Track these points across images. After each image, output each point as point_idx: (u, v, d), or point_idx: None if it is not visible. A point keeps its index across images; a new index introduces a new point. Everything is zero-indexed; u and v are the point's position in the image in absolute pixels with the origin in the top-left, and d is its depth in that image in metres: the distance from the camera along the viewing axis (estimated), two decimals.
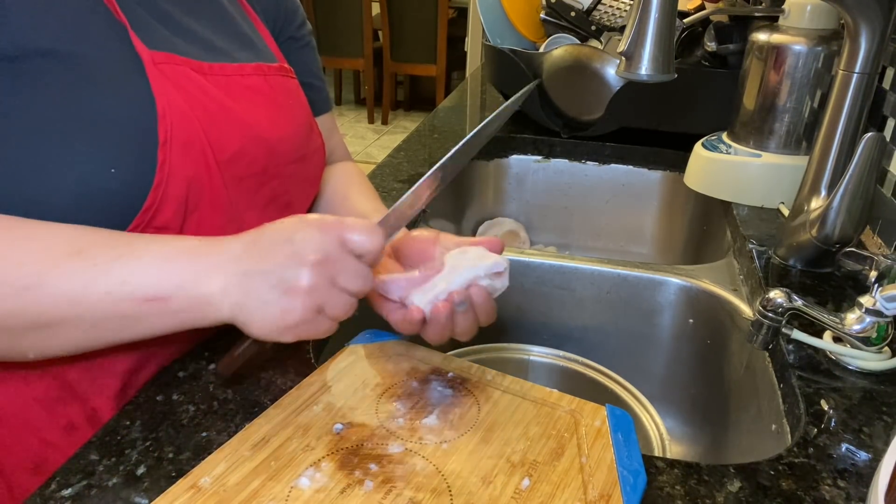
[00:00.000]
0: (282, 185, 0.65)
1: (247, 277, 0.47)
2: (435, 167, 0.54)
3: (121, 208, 0.52)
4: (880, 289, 0.59)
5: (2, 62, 0.48)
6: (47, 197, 0.49)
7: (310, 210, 0.73)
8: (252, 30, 0.68)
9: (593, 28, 1.34)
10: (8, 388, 0.56)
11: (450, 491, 0.46)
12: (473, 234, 1.28)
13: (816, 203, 0.76)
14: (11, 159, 0.49)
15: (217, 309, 0.48)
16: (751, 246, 0.84)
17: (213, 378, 0.58)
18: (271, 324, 0.47)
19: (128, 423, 0.52)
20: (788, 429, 0.59)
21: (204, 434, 0.51)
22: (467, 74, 3.46)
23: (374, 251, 0.49)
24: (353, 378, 0.57)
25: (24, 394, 0.56)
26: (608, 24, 1.33)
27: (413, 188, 0.54)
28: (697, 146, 1.02)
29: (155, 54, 0.55)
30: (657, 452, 0.69)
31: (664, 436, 0.70)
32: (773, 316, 0.62)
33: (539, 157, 1.28)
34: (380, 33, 4.51)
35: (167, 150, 0.53)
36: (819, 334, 0.64)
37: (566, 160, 1.26)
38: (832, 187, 0.74)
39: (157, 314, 0.48)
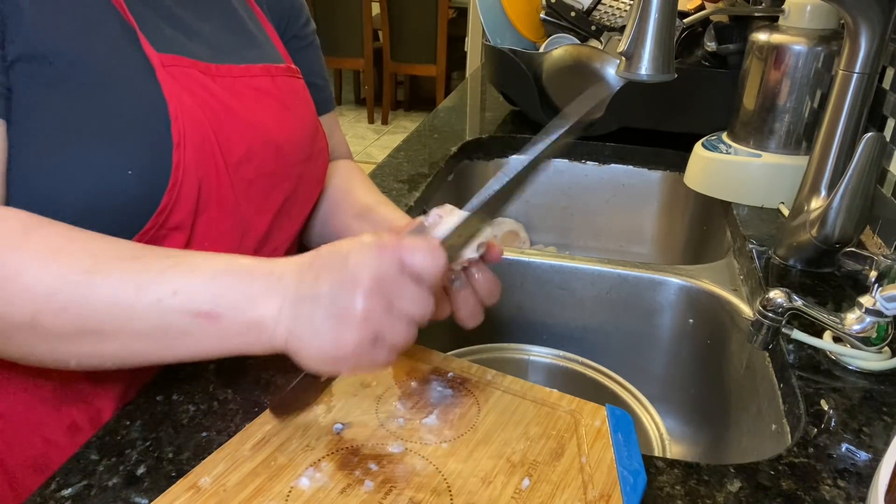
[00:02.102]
0: (290, 186, 0.65)
1: (298, 303, 0.45)
2: (504, 177, 0.49)
3: (137, 209, 0.52)
4: (880, 289, 0.59)
5: (18, 63, 0.48)
6: (65, 198, 0.50)
7: (314, 209, 0.73)
8: (259, 29, 0.68)
9: (593, 28, 1.34)
10: (13, 387, 0.56)
11: (450, 491, 0.46)
12: None
13: (816, 203, 0.76)
14: (29, 161, 0.49)
15: (270, 335, 0.45)
16: (751, 246, 0.84)
17: (213, 378, 0.58)
18: (324, 354, 0.44)
19: (128, 423, 0.52)
20: (788, 429, 0.59)
21: (204, 434, 0.51)
22: (467, 74, 3.46)
23: (435, 274, 0.45)
24: (352, 378, 0.57)
25: (29, 393, 0.56)
26: (608, 24, 1.33)
27: (479, 198, 0.49)
28: (697, 146, 1.02)
29: (164, 57, 0.55)
30: (657, 452, 0.69)
31: (664, 436, 0.70)
32: (773, 316, 0.62)
33: None
34: (380, 33, 4.51)
35: (181, 152, 0.53)
36: (819, 334, 0.64)
37: (566, 160, 1.26)
38: (832, 187, 0.74)
39: (204, 333, 0.46)
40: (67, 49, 0.50)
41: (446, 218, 0.50)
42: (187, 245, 0.57)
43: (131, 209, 0.52)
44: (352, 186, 0.76)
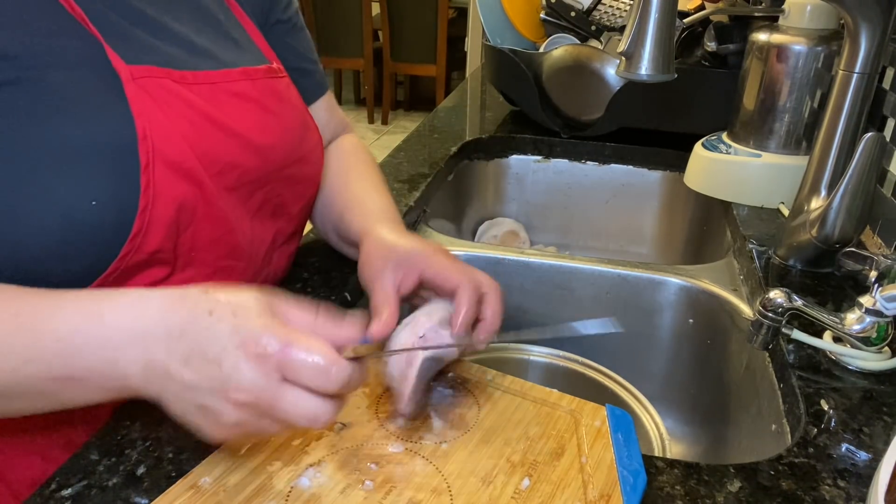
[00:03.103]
0: (278, 190, 0.64)
1: (168, 380, 0.42)
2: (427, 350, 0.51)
3: (107, 239, 0.50)
4: (880, 289, 0.59)
5: None
6: (30, 236, 0.48)
7: (305, 205, 0.71)
8: (237, 28, 0.66)
9: (593, 28, 1.34)
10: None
11: (450, 491, 0.46)
12: (473, 234, 1.28)
13: (816, 203, 0.76)
14: None
15: (140, 393, 0.44)
16: (751, 246, 0.84)
17: None
18: (193, 429, 0.43)
19: (128, 423, 0.52)
20: (788, 429, 0.59)
21: None
22: (467, 74, 3.46)
23: (332, 389, 0.40)
24: None
25: (28, 417, 0.56)
26: (608, 24, 1.33)
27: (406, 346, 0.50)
28: (697, 146, 1.02)
29: (133, 69, 0.52)
30: (657, 452, 0.69)
31: (664, 436, 0.70)
32: (773, 316, 0.62)
33: (539, 157, 1.28)
34: (380, 33, 4.51)
35: (150, 173, 0.51)
36: (819, 334, 0.64)
37: (566, 160, 1.26)
38: (832, 187, 0.74)
39: (74, 390, 0.44)
40: (19, 75, 0.47)
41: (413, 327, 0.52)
42: (174, 263, 0.55)
43: (102, 240, 0.50)
44: (350, 178, 0.73)
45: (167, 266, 0.55)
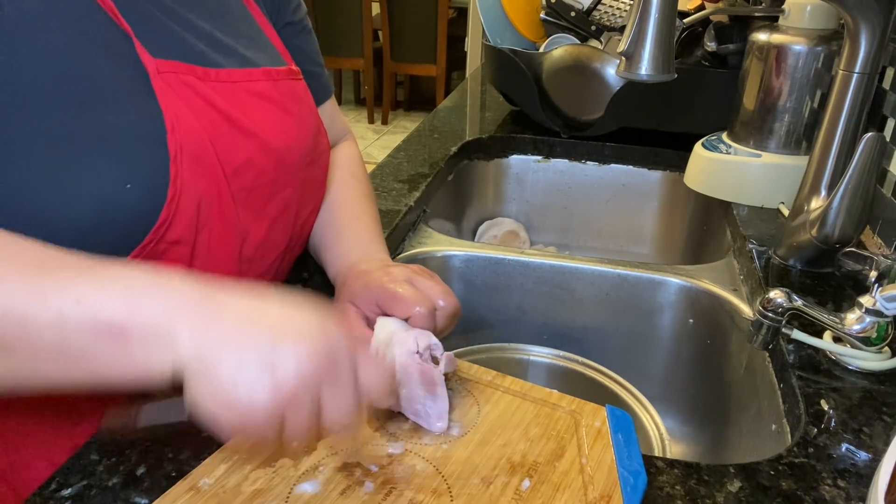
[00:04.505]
0: (292, 192, 0.64)
1: (239, 334, 0.40)
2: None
3: (135, 224, 0.51)
4: (880, 289, 0.59)
5: (4, 79, 0.47)
6: (63, 217, 0.48)
7: (315, 209, 0.72)
8: (256, 29, 0.67)
9: (593, 28, 1.34)
10: (20, 412, 0.56)
11: (450, 492, 0.46)
12: (473, 234, 1.28)
13: (816, 203, 0.76)
14: (24, 179, 0.47)
15: (175, 350, 0.39)
16: (751, 246, 0.84)
17: None
18: (226, 395, 0.38)
19: None
20: (788, 429, 0.59)
21: (204, 434, 0.51)
22: (467, 74, 3.46)
23: (376, 397, 0.43)
24: None
25: (36, 417, 0.56)
26: (608, 24, 1.33)
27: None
28: (697, 146, 1.02)
29: (160, 63, 0.53)
30: (657, 452, 0.69)
31: (664, 436, 0.70)
32: (773, 316, 0.62)
33: (539, 157, 1.28)
34: (380, 33, 4.51)
35: (178, 164, 0.52)
36: (819, 334, 0.64)
37: (566, 160, 1.26)
38: (832, 187, 0.74)
39: (108, 352, 0.40)
40: (55, 64, 0.48)
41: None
42: (191, 258, 0.55)
43: (130, 224, 0.51)
44: (344, 222, 0.74)
45: (183, 264, 0.55)
